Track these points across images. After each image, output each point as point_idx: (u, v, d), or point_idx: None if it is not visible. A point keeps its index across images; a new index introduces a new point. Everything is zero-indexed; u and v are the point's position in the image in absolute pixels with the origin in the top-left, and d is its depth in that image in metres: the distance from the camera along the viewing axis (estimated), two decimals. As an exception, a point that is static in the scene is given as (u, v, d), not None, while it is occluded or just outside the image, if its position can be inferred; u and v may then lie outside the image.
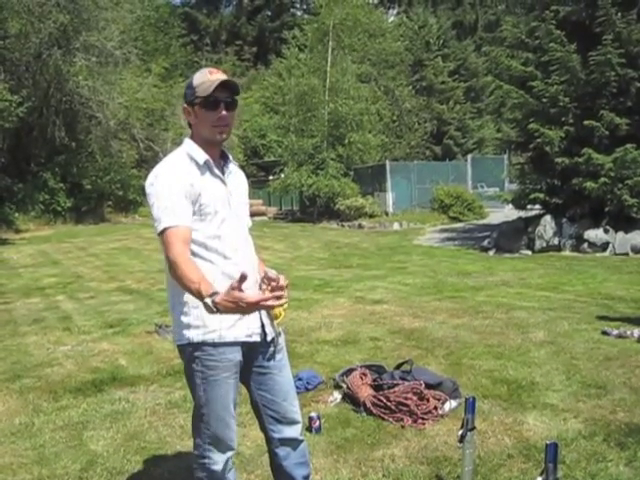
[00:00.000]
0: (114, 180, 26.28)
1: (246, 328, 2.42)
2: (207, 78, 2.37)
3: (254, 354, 2.51)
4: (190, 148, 2.43)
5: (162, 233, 2.30)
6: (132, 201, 27.03)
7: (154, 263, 12.66)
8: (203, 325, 2.36)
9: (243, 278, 2.05)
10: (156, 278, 10.65)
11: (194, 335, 2.37)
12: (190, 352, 2.40)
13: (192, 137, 2.47)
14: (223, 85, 2.35)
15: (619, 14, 12.57)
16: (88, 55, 23.90)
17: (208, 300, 2.10)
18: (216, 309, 2.09)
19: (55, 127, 24.31)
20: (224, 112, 2.37)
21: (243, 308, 2.08)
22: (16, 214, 23.19)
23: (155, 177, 2.37)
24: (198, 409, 2.47)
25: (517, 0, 16.26)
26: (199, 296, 2.16)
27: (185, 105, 2.44)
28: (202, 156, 2.40)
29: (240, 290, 2.05)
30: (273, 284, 2.43)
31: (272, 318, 2.54)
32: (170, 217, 2.29)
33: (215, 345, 2.37)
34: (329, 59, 25.40)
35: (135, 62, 27.18)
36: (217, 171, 2.44)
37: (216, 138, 2.42)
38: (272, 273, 2.47)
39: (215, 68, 2.51)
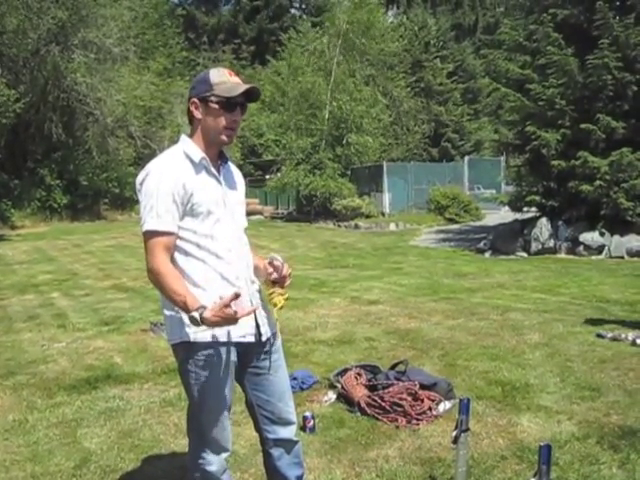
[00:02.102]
0: (111, 178, 26.29)
1: (240, 328, 2.39)
2: (227, 79, 2.38)
3: (249, 354, 2.50)
4: (187, 145, 2.41)
5: (144, 234, 2.33)
6: (128, 199, 27.00)
7: (150, 261, 12.63)
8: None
9: (236, 296, 2.15)
10: (152, 276, 10.63)
11: (186, 334, 2.35)
12: (183, 352, 2.39)
13: (191, 134, 2.45)
14: (249, 91, 2.38)
15: (617, 18, 12.61)
16: (86, 52, 23.84)
17: (195, 314, 2.16)
18: (202, 323, 2.16)
19: (52, 124, 24.27)
20: (238, 116, 2.40)
21: (231, 322, 2.18)
22: (12, 210, 23.14)
23: (146, 175, 2.35)
24: (192, 410, 2.46)
25: (516, 3, 16.28)
26: (184, 308, 2.22)
27: (195, 99, 2.39)
28: (198, 154, 2.39)
29: (229, 307, 2.13)
30: (274, 276, 2.45)
31: (269, 318, 2.54)
32: (153, 220, 2.29)
33: (207, 345, 2.35)
34: (335, 59, 25.39)
35: (133, 60, 27.14)
36: (213, 170, 2.43)
37: (223, 139, 2.40)
38: (278, 261, 2.48)
39: (228, 69, 2.51)
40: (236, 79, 2.41)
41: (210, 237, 2.37)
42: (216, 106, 2.36)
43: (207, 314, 2.13)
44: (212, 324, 2.17)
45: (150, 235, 2.31)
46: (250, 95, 2.41)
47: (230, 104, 2.36)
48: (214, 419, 2.42)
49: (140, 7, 29.21)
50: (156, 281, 2.29)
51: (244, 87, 2.36)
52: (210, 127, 2.39)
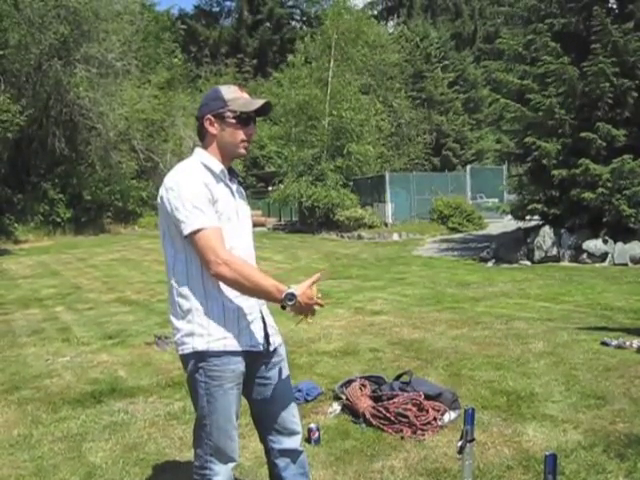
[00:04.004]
0: (114, 191, 26.38)
1: (250, 338, 2.43)
2: (239, 94, 2.47)
3: (256, 365, 2.52)
4: (204, 158, 2.45)
5: (195, 234, 2.29)
6: (132, 212, 27.11)
7: (153, 274, 12.67)
8: (208, 334, 2.36)
9: (318, 279, 2.38)
10: (155, 289, 10.65)
11: (198, 343, 2.37)
12: (194, 362, 2.40)
13: (205, 148, 2.48)
14: (263, 106, 2.46)
15: (616, 25, 12.63)
16: (88, 66, 24.01)
17: (292, 290, 2.27)
18: (293, 303, 2.28)
19: (55, 138, 24.41)
20: (253, 129, 2.47)
21: (308, 308, 2.34)
22: (15, 225, 23.22)
23: (175, 183, 2.35)
24: (200, 420, 2.47)
25: (514, 13, 16.34)
26: (275, 290, 2.29)
27: (209, 116, 2.43)
28: (217, 165, 2.43)
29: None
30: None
31: (275, 328, 2.58)
32: (201, 218, 2.29)
33: (219, 355, 2.37)
34: (331, 70, 25.54)
35: (135, 73, 27.30)
36: (229, 182, 2.48)
37: (241, 152, 2.48)
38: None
39: (236, 85, 2.60)
40: (246, 94, 2.50)
41: (229, 247, 2.39)
42: (233, 121, 2.42)
43: (298, 292, 2.28)
44: (299, 305, 2.30)
45: (202, 232, 2.29)
46: (261, 109, 2.48)
47: (245, 118, 2.43)
48: (221, 429, 2.43)
49: (141, 21, 29.42)
50: (233, 272, 2.28)
51: (260, 102, 2.45)
52: (227, 141, 2.44)
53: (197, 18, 56.64)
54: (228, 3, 60.42)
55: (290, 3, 58.68)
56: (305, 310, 2.34)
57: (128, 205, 26.97)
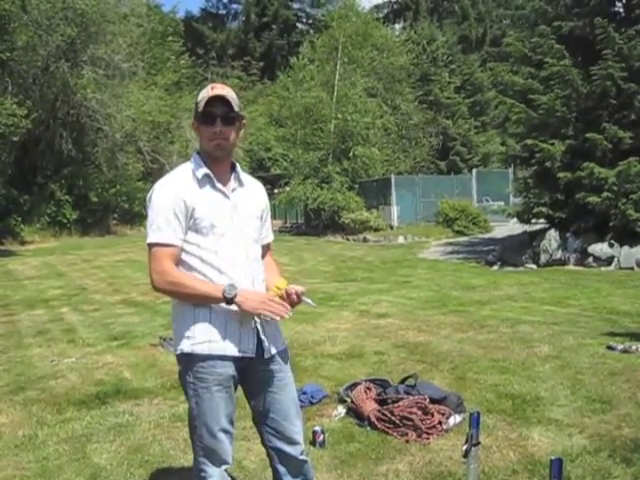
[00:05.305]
0: (120, 192, 26.45)
1: (237, 344, 2.40)
2: (207, 94, 2.41)
3: (251, 371, 2.50)
4: (194, 162, 2.48)
5: (149, 246, 2.41)
6: (137, 213, 27.16)
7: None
8: (192, 336, 2.38)
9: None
10: (161, 290, 10.63)
11: (185, 345, 2.40)
12: (183, 363, 2.45)
13: (199, 151, 2.51)
14: (217, 99, 2.39)
15: (622, 29, 12.61)
16: (95, 68, 24.07)
17: (227, 295, 2.30)
18: (234, 299, 2.31)
19: (62, 139, 24.47)
20: (219, 127, 2.40)
21: (256, 306, 2.34)
22: (22, 226, 23.26)
23: (152, 191, 2.45)
24: (191, 421, 2.48)
25: (521, 15, 16.35)
26: (213, 291, 2.33)
27: (193, 120, 2.52)
28: (202, 170, 2.43)
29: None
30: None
31: (276, 335, 2.55)
32: (155, 233, 2.38)
33: (203, 358, 2.38)
34: (337, 72, 25.58)
35: (141, 75, 27.37)
36: (220, 185, 2.45)
37: (214, 153, 2.45)
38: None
39: (219, 83, 2.56)
40: (217, 91, 2.41)
41: (214, 252, 2.40)
42: (199, 122, 2.44)
43: (239, 298, 2.31)
44: (243, 299, 2.32)
45: (153, 247, 2.39)
46: (227, 103, 2.41)
47: (207, 118, 2.40)
48: (211, 431, 2.42)
49: (148, 23, 29.48)
50: (168, 283, 2.36)
51: (206, 98, 2.39)
52: (202, 144, 2.47)
53: (204, 20, 56.78)
54: (235, 6, 60.65)
55: (296, 6, 58.76)
56: (252, 305, 2.35)
57: (134, 207, 27.04)
